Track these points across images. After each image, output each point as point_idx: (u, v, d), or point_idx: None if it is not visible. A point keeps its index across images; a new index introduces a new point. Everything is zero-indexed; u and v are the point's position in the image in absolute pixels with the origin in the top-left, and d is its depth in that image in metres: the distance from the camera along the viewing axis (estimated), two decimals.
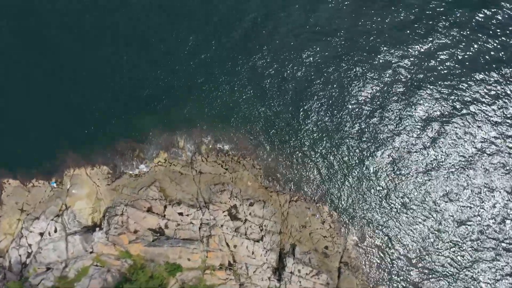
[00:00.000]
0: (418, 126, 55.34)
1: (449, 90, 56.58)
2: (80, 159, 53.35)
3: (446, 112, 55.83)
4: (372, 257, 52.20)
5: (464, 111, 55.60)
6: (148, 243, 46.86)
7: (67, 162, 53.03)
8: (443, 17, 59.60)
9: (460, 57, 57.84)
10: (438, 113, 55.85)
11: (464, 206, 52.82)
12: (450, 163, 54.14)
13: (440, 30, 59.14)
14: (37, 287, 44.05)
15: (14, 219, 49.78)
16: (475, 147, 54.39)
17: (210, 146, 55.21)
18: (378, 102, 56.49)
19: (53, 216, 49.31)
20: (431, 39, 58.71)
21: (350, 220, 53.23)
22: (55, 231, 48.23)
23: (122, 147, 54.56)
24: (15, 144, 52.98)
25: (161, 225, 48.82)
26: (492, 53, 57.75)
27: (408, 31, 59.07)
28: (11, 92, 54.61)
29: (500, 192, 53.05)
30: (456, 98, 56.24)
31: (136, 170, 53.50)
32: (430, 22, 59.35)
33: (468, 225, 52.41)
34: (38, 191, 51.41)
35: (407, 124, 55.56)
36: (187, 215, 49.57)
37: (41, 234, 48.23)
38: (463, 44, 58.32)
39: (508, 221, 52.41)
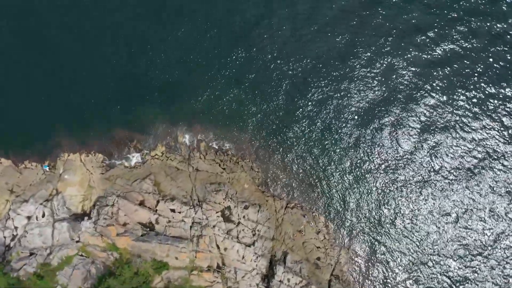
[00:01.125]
0: (424, 141, 53.83)
1: (456, 103, 54.99)
2: (75, 144, 52.11)
3: (451, 126, 54.26)
4: (364, 273, 50.77)
5: (470, 126, 54.00)
6: (137, 238, 45.51)
7: (62, 146, 51.80)
8: (458, 25, 58.03)
9: (471, 69, 56.19)
10: (443, 126, 54.30)
11: (465, 227, 51.24)
12: (453, 181, 52.62)
13: (453, 38, 57.55)
14: (18, 272, 42.76)
15: (2, 199, 48.39)
16: (478, 166, 52.86)
17: (210, 144, 53.85)
18: (384, 112, 54.99)
19: (42, 200, 48.01)
20: (443, 46, 57.17)
21: (346, 233, 51.77)
22: (43, 215, 46.92)
23: (119, 136, 53.31)
24: (11, 123, 51.81)
25: (151, 220, 47.47)
26: (506, 68, 56.01)
27: (419, 36, 57.60)
28: (11, 73, 53.54)
29: (499, 213, 51.46)
30: (463, 112, 54.60)
31: (132, 161, 52.19)
32: (444, 30, 57.78)
33: (466, 246, 50.83)
34: (29, 173, 50.10)
35: (412, 139, 54.06)
36: (179, 212, 48.21)
37: (29, 218, 46.93)
38: (476, 55, 56.62)
39: (505, 243, 50.84)
